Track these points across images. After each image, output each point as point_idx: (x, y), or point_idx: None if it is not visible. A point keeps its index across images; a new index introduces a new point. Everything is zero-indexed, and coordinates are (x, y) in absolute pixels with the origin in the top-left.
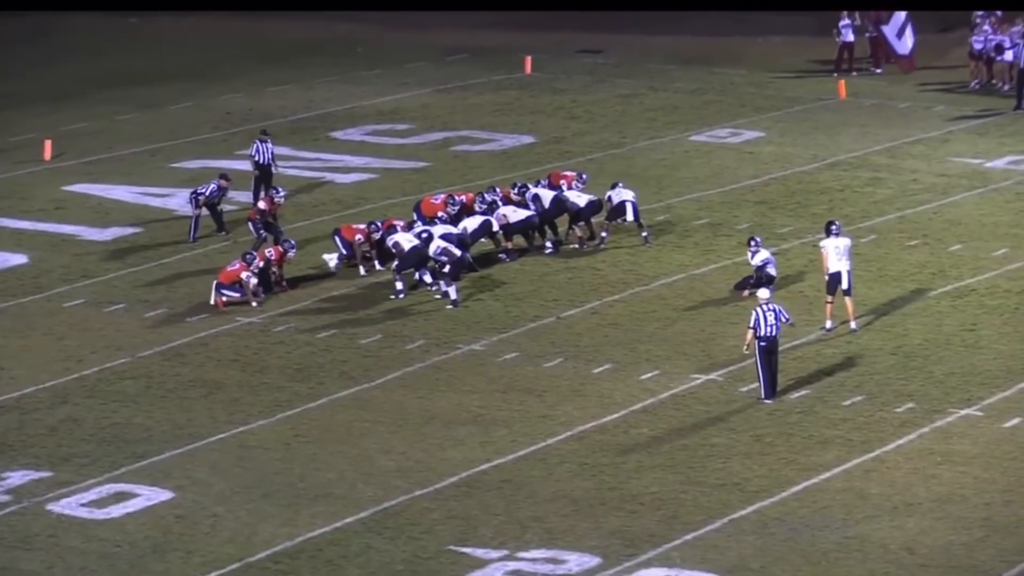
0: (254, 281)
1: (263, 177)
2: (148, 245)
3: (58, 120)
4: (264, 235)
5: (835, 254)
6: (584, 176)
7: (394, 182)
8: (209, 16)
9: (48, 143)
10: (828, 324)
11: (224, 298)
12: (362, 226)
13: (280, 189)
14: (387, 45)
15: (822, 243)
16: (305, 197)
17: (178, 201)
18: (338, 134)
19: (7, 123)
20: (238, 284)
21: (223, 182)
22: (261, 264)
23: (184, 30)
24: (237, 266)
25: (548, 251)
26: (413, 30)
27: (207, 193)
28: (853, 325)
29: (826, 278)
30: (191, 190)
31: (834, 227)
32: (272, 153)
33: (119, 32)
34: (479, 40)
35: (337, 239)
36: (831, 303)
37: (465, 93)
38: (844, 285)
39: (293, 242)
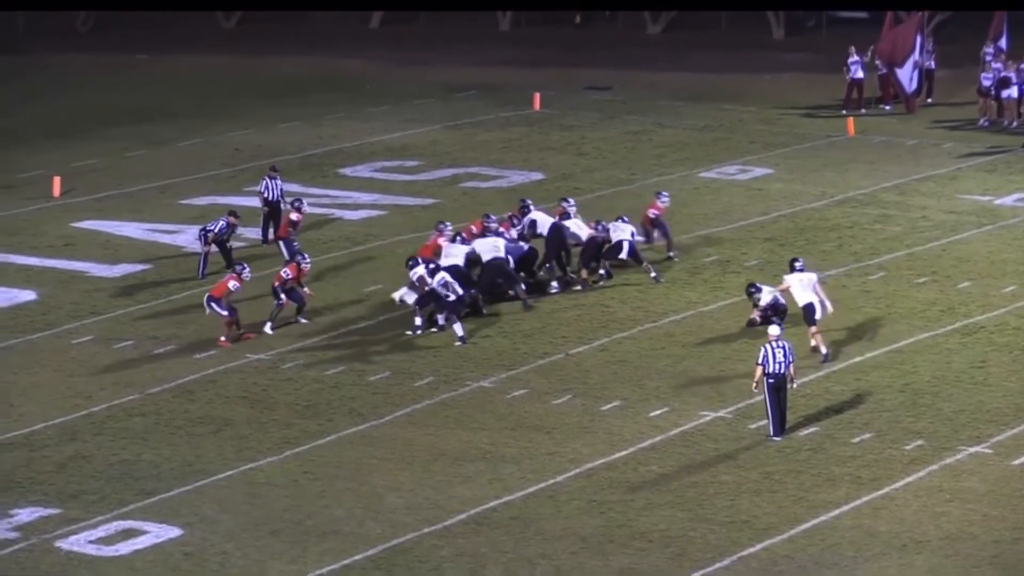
0: (235, 284)
1: (272, 213)
2: (157, 281)
3: (67, 156)
4: (297, 248)
5: (800, 287)
6: (571, 200)
7: (403, 219)
8: (217, 53)
9: (57, 179)
10: (823, 350)
11: (209, 311)
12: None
13: (303, 201)
14: (395, 81)
15: (785, 278)
16: (314, 234)
17: (187, 238)
18: (347, 170)
19: (16, 159)
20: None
21: (232, 219)
22: (278, 283)
23: (193, 66)
24: (228, 278)
25: (554, 290)
26: (421, 66)
27: (216, 230)
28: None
29: (801, 311)
30: (200, 227)
31: (798, 263)
32: (281, 189)
33: (128, 68)
34: (487, 77)
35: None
36: (816, 331)
37: (474, 129)
38: (818, 315)
39: (307, 256)
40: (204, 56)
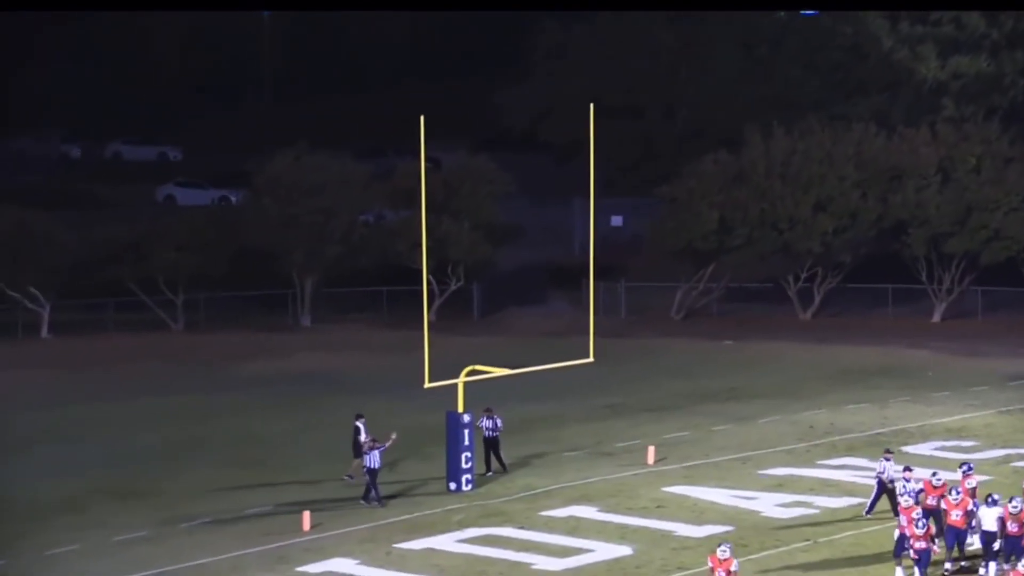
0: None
1: (884, 492)
2: (738, 542)
3: (661, 429)
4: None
5: None
6: None
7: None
8: (795, 341)
9: (651, 449)
10: None
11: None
12: None
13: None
14: (955, 371)
15: None
16: (883, 504)
17: (764, 503)
18: (909, 448)
19: (617, 431)
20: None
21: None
22: None
23: (773, 352)
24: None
25: None
26: (979, 357)
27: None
28: None
29: None
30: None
31: None
32: (892, 472)
33: (717, 353)
34: None
35: None
36: None
37: None
38: None
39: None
40: (783, 343)
